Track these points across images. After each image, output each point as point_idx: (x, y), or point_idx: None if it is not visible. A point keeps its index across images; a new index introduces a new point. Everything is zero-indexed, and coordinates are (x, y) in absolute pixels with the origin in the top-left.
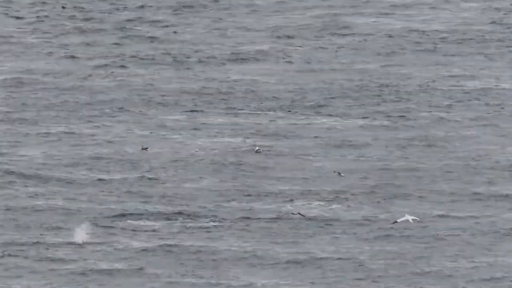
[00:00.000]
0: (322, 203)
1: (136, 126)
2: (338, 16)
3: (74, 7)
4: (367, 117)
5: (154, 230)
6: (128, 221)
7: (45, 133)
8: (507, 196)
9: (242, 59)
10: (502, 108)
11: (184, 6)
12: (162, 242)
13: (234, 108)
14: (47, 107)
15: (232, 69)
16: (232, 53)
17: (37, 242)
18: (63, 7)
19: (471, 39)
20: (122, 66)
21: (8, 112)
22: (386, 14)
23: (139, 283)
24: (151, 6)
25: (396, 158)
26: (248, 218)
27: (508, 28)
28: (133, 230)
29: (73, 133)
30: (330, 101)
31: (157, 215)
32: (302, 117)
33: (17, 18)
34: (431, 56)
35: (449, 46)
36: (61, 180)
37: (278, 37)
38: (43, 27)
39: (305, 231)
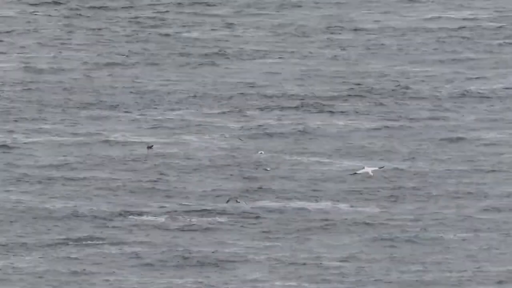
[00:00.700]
0: (327, 203)
1: (141, 124)
2: (345, 13)
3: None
4: (373, 117)
5: (157, 227)
6: (131, 216)
7: (49, 131)
8: None
9: (247, 57)
10: None
11: (190, 4)
12: (164, 241)
13: (238, 107)
14: (52, 104)
15: (236, 68)
16: (237, 51)
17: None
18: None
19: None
20: (126, 64)
21: (13, 109)
22: (394, 11)
23: (141, 281)
24: (158, 3)
25: (403, 158)
26: (250, 217)
27: None
28: (137, 227)
29: (75, 131)
30: (336, 101)
31: (161, 213)
32: (308, 116)
33: (20, 12)
34: (437, 55)
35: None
36: (63, 179)
37: (284, 35)
38: (49, 22)
39: (307, 231)
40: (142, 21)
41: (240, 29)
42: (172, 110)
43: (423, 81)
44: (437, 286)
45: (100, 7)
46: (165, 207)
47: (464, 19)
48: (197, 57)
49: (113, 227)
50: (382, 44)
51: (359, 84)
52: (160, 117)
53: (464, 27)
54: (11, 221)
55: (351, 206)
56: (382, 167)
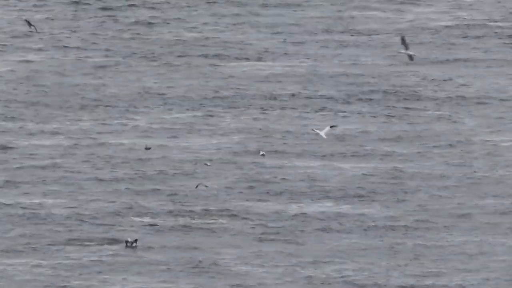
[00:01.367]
0: (328, 203)
1: (142, 124)
2: (345, 12)
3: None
4: (375, 117)
5: (158, 228)
6: (133, 218)
7: (52, 130)
8: None
9: (249, 57)
10: None
11: (191, 3)
12: (166, 240)
13: (240, 107)
14: (52, 105)
15: (238, 68)
16: (239, 52)
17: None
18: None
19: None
20: (127, 64)
21: (13, 108)
22: (396, 10)
23: (143, 281)
24: (159, 2)
25: (405, 158)
26: (253, 217)
27: None
28: (139, 228)
29: (76, 130)
30: (338, 101)
31: (161, 214)
32: (309, 116)
33: (21, 10)
34: (442, 54)
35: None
36: (64, 179)
37: (285, 35)
38: (49, 23)
39: (310, 231)
40: (143, 20)
41: (242, 29)
42: (173, 110)
43: (424, 80)
44: None
45: (102, 8)
46: (165, 208)
47: (465, 18)
48: (198, 57)
49: (114, 228)
50: (384, 44)
51: (360, 84)
52: (161, 117)
53: (467, 26)
54: (12, 222)
55: (352, 207)
56: (334, 126)
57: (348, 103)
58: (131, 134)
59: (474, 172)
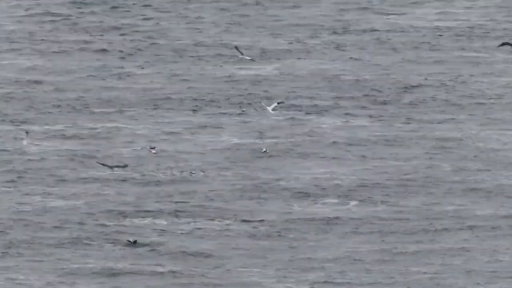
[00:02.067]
0: (331, 202)
1: (144, 124)
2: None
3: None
4: (379, 117)
5: (161, 228)
6: (136, 219)
7: (55, 131)
8: None
9: (252, 56)
10: None
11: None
12: (168, 241)
13: (242, 106)
14: (55, 105)
15: (240, 67)
16: (243, 50)
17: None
18: None
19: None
20: (129, 63)
21: (14, 111)
22: (399, 11)
23: (146, 282)
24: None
25: (410, 157)
26: (256, 217)
27: None
28: (141, 228)
29: (79, 132)
30: (341, 100)
31: (163, 214)
32: (312, 116)
33: (21, 16)
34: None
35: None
36: (67, 179)
37: (287, 34)
38: (47, 25)
39: (313, 231)
40: (140, 17)
41: (243, 28)
42: (176, 110)
43: (426, 80)
44: None
45: (105, 10)
46: (166, 207)
47: (468, 20)
48: (200, 57)
49: (116, 228)
50: (386, 43)
51: (363, 84)
52: (163, 117)
53: (471, 27)
54: (14, 222)
55: (356, 208)
56: (280, 102)
57: (352, 103)
58: (135, 135)
59: (478, 172)
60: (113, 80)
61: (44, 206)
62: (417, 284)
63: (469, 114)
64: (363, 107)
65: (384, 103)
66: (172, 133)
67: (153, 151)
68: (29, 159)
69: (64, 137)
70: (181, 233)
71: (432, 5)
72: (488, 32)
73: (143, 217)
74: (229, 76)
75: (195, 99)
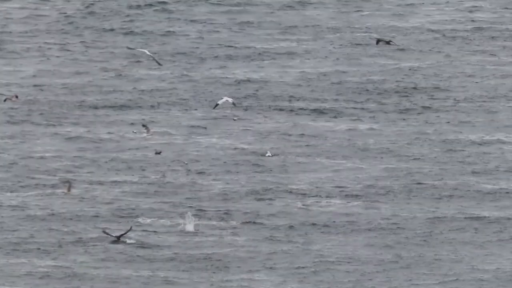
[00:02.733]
0: (336, 202)
1: (149, 125)
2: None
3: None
4: (384, 119)
5: (164, 229)
6: (140, 220)
7: (61, 133)
8: None
9: (255, 57)
10: None
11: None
12: (171, 242)
13: (247, 108)
14: (56, 106)
15: (245, 68)
16: (246, 51)
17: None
18: None
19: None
20: (134, 64)
21: (22, 112)
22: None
23: (149, 283)
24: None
25: (410, 158)
26: (259, 218)
27: None
28: (145, 230)
29: (82, 132)
30: (343, 102)
31: (169, 215)
32: (317, 117)
33: (27, 18)
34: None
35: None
36: (72, 180)
37: (290, 34)
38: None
39: (316, 232)
40: (145, 17)
41: (249, 28)
42: (179, 111)
43: (433, 82)
44: None
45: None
46: (172, 209)
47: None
48: (205, 56)
49: (119, 228)
50: (391, 43)
51: (366, 84)
52: (166, 118)
53: (476, 27)
54: (16, 223)
55: (362, 208)
56: (234, 103)
57: (359, 103)
58: (139, 137)
59: (486, 175)
60: (116, 79)
61: (50, 207)
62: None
63: (477, 116)
64: (368, 109)
65: (390, 105)
66: (177, 134)
67: (157, 153)
68: (31, 159)
69: (70, 138)
70: (185, 235)
71: (437, 6)
72: (496, 32)
73: (145, 218)
74: (235, 77)
75: (199, 101)
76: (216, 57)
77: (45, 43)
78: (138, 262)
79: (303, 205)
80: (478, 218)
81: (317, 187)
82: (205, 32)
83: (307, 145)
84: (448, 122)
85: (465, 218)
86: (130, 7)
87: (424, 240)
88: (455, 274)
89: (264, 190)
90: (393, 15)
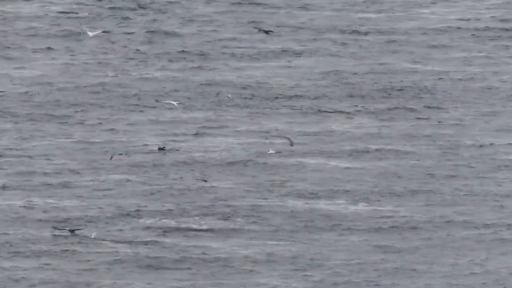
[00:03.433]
0: (340, 202)
1: (153, 124)
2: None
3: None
4: (387, 117)
5: (165, 228)
6: (142, 219)
7: (64, 132)
8: None
9: (259, 57)
10: None
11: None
12: (174, 240)
13: (251, 107)
14: (59, 105)
15: (249, 67)
16: (249, 51)
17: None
18: None
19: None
20: (139, 62)
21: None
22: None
23: (150, 283)
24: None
25: (412, 158)
26: (261, 217)
27: None
28: (147, 228)
29: (86, 131)
30: (348, 100)
31: (170, 214)
32: (320, 116)
33: (36, 16)
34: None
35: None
36: (72, 180)
37: (296, 33)
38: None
39: (319, 231)
40: (152, 16)
41: (251, 28)
42: (182, 109)
43: (436, 80)
44: None
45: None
46: (174, 207)
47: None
48: (208, 55)
49: (121, 228)
50: (394, 42)
51: (370, 83)
52: (169, 117)
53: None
54: (18, 222)
55: (364, 207)
56: (178, 102)
57: (361, 101)
58: (143, 134)
59: (487, 175)
60: (126, 77)
61: (51, 207)
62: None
63: (481, 114)
64: (371, 107)
65: (393, 103)
66: (179, 132)
67: (163, 150)
68: (46, 160)
69: (72, 137)
70: (186, 233)
71: (441, 5)
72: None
73: (148, 217)
74: (237, 76)
75: (200, 98)
76: (219, 56)
77: (52, 42)
78: (140, 262)
79: (306, 204)
80: (481, 220)
81: (320, 187)
82: (207, 31)
83: (310, 143)
84: (454, 123)
85: (468, 219)
86: (130, 8)
87: (429, 239)
88: (457, 275)
89: (266, 189)
90: (393, 14)
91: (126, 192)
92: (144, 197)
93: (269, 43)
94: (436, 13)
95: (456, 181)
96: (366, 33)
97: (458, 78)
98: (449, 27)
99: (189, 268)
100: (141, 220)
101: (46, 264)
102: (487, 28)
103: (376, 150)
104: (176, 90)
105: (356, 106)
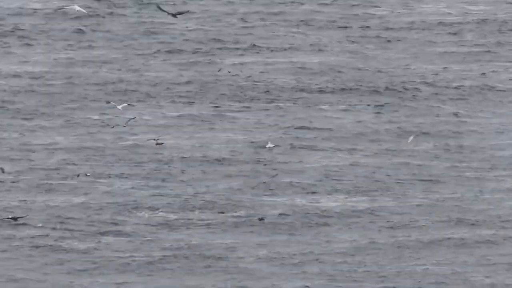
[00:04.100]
0: (338, 197)
1: (152, 118)
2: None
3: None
4: (386, 110)
5: (165, 224)
6: (142, 213)
7: (64, 125)
8: None
9: (259, 50)
10: None
11: None
12: (171, 238)
13: (249, 100)
14: (61, 100)
15: (248, 61)
16: (249, 45)
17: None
18: None
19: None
20: (140, 57)
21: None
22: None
23: (149, 280)
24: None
25: (419, 152)
26: (258, 214)
27: None
28: (147, 224)
29: (86, 127)
30: (346, 93)
31: (169, 210)
32: (319, 110)
33: (36, 10)
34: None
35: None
36: (73, 175)
37: (295, 28)
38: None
39: (321, 227)
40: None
41: (252, 22)
42: (181, 104)
43: (435, 75)
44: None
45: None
46: (173, 202)
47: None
48: (208, 50)
49: (120, 224)
50: (393, 39)
51: (369, 79)
52: (168, 112)
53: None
54: (22, 219)
55: (365, 202)
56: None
57: (361, 96)
58: (141, 129)
59: (488, 170)
60: (125, 71)
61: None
62: (425, 278)
63: (481, 110)
64: (370, 101)
65: (393, 97)
66: (176, 126)
67: (158, 143)
68: (49, 154)
69: (73, 133)
70: (188, 227)
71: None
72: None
73: (150, 212)
74: (237, 71)
75: (201, 92)
76: (219, 50)
77: (56, 36)
78: (140, 260)
79: (305, 199)
80: (482, 217)
81: (319, 181)
82: (207, 26)
83: (308, 137)
84: (454, 115)
85: (468, 210)
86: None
87: (429, 233)
88: (454, 272)
89: (265, 184)
90: (394, 10)
91: (121, 187)
92: (143, 191)
93: (270, 38)
94: (435, 8)
95: (455, 178)
96: (365, 28)
97: (459, 75)
98: (449, 22)
99: (186, 265)
100: (140, 215)
101: (46, 263)
102: (488, 23)
103: (374, 146)
104: (176, 85)
105: (355, 101)
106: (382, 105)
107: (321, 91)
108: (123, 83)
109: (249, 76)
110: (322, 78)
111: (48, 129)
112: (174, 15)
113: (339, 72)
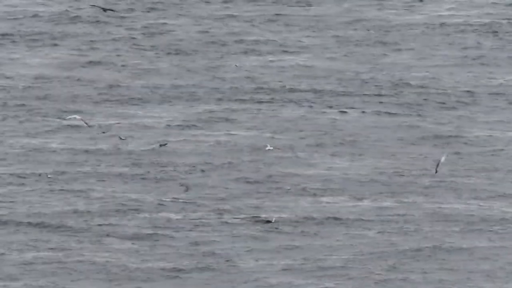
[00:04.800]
0: (340, 199)
1: (155, 119)
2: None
3: None
4: (390, 113)
5: (165, 224)
6: (145, 214)
7: (66, 126)
8: None
9: (260, 51)
10: None
11: None
12: (174, 236)
13: (250, 101)
14: (62, 100)
15: (249, 62)
16: (251, 45)
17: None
18: None
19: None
20: (141, 57)
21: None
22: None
23: (149, 280)
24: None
25: (421, 155)
26: (261, 215)
27: None
28: (149, 224)
29: (87, 127)
30: (346, 95)
31: (172, 209)
32: (321, 112)
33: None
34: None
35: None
36: (73, 175)
37: (297, 28)
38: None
39: (321, 229)
40: (159, 12)
41: (254, 22)
42: (181, 105)
43: (434, 78)
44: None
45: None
46: (175, 202)
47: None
48: (209, 51)
49: (121, 224)
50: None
51: (373, 80)
52: (168, 113)
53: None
54: (22, 218)
55: (366, 203)
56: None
57: (363, 98)
58: (144, 129)
59: (490, 173)
60: (128, 73)
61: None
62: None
63: (482, 112)
64: (373, 103)
65: (396, 99)
66: (175, 126)
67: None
68: (54, 154)
69: (75, 133)
70: (188, 228)
71: (442, 0)
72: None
73: (148, 212)
74: (236, 71)
75: (202, 93)
76: (217, 51)
77: (54, 35)
78: (140, 259)
79: (306, 200)
80: (484, 216)
81: (320, 183)
82: (208, 26)
83: (310, 139)
84: (457, 118)
85: (472, 215)
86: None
87: (432, 237)
88: (463, 269)
89: (265, 185)
90: (395, 10)
91: (125, 186)
92: (143, 192)
93: (272, 37)
94: (438, 8)
95: (459, 178)
96: (368, 28)
97: (461, 75)
98: (452, 22)
99: (187, 266)
100: (140, 215)
101: (46, 261)
102: (490, 25)
103: (378, 145)
104: (174, 85)
105: (359, 100)
106: (385, 108)
107: (323, 93)
108: (124, 84)
109: (249, 77)
110: (324, 80)
111: (48, 129)
112: (104, 10)
113: (343, 73)
